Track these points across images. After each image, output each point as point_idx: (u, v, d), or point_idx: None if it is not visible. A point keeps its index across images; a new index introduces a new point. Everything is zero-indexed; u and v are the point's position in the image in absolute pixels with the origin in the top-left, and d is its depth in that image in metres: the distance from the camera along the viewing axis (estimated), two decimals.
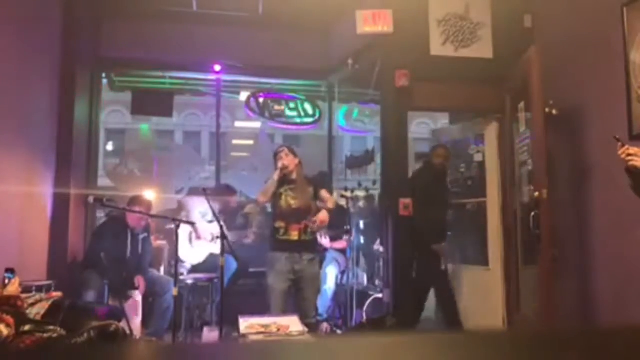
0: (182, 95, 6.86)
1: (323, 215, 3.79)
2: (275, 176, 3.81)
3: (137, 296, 4.38)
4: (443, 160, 4.72)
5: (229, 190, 5.55)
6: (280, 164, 3.83)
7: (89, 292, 4.12)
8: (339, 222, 5.20)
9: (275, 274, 3.75)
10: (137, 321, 4.27)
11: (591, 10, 3.86)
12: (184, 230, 4.70)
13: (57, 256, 4.46)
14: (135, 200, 4.54)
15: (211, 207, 3.90)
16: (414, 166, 5.00)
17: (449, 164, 4.86)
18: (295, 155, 3.94)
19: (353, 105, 7.39)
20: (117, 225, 4.49)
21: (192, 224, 4.45)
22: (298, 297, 3.84)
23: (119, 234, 4.43)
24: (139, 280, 4.39)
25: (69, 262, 4.60)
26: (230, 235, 4.05)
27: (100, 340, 2.57)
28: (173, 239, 4.78)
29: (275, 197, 3.84)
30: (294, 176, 3.88)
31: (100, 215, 5.40)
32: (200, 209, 5.03)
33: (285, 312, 3.61)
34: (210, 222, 4.95)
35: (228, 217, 5.29)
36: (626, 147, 2.59)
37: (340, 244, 5.33)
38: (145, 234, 4.61)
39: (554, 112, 3.92)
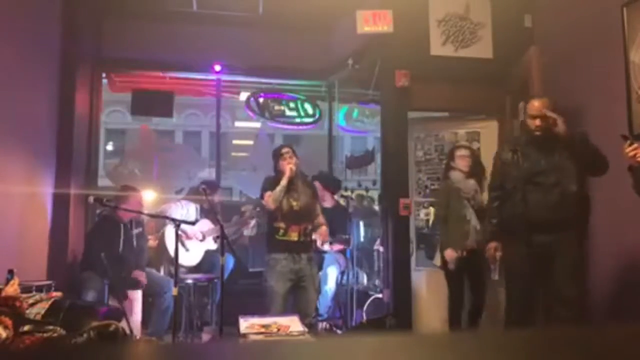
0: (182, 95, 6.86)
1: (323, 232, 3.91)
2: (284, 181, 3.78)
3: (137, 295, 4.37)
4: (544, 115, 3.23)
5: (213, 185, 5.44)
6: (288, 170, 3.79)
7: (89, 292, 4.12)
8: (340, 225, 5.18)
9: (276, 276, 3.74)
10: (137, 321, 4.26)
11: (591, 10, 3.86)
12: (172, 234, 4.61)
13: (57, 256, 4.45)
14: (124, 196, 4.50)
15: (211, 206, 3.88)
16: (413, 166, 4.89)
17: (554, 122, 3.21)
18: (296, 155, 3.93)
19: (353, 105, 7.38)
20: (110, 222, 4.48)
21: (191, 223, 4.43)
22: (299, 297, 3.84)
23: (112, 231, 4.41)
24: (139, 275, 4.34)
25: (69, 262, 4.59)
26: (227, 227, 4.00)
27: (100, 340, 2.57)
28: (165, 240, 4.79)
29: None
30: (295, 177, 3.87)
31: None
32: (180, 213, 4.93)
33: (285, 313, 3.60)
34: (195, 222, 4.86)
35: (223, 212, 5.27)
36: (635, 145, 2.57)
37: (339, 246, 5.31)
38: (140, 229, 4.59)
39: None
